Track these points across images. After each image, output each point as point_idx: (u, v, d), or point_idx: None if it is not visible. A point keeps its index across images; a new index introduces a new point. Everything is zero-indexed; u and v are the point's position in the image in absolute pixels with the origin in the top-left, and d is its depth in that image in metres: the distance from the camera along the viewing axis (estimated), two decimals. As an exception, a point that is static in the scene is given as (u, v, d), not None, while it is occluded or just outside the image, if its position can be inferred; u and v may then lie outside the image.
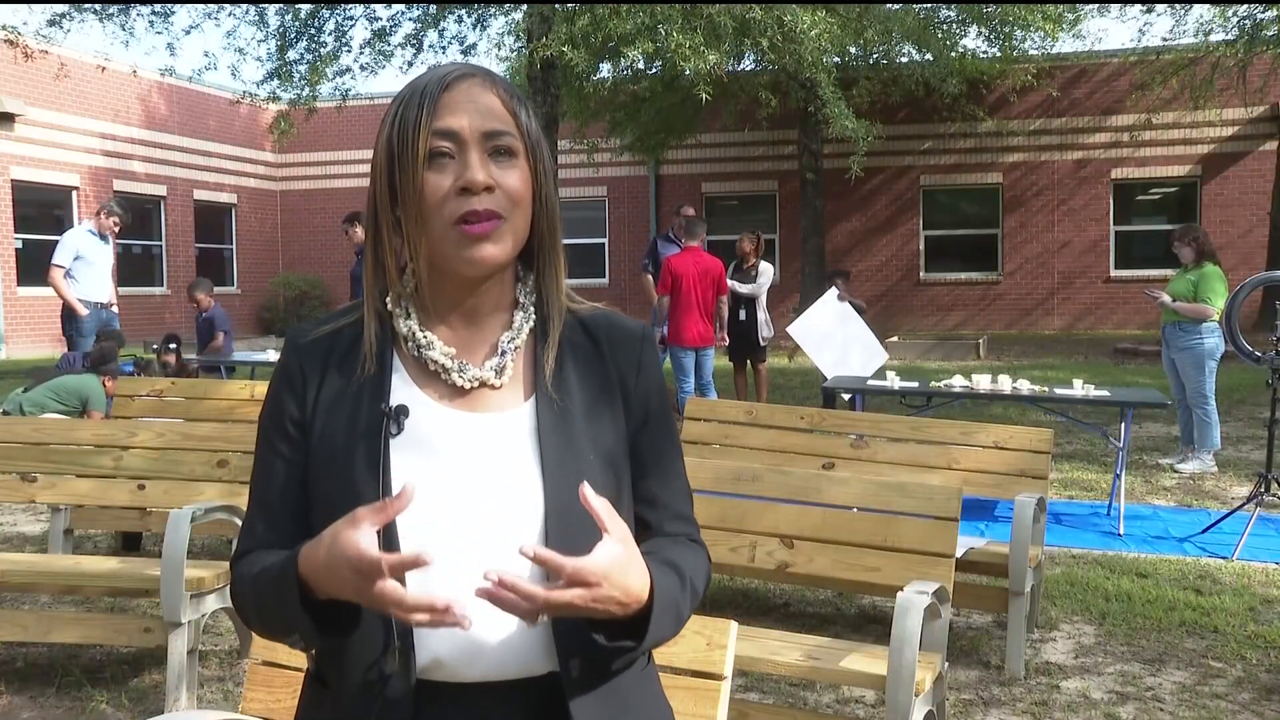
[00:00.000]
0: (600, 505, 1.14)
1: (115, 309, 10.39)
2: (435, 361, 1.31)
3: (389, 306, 1.33)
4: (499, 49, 19.04)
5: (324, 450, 1.29)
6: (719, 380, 9.41)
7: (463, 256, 1.25)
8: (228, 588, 3.85)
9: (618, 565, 1.13)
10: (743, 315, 9.72)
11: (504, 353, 1.32)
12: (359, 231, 9.80)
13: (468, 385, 1.31)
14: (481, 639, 1.23)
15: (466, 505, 1.25)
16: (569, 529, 1.25)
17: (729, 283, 9.44)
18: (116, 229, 10.15)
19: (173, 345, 9.96)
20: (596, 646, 1.23)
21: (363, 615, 1.22)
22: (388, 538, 1.22)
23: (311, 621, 1.19)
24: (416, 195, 1.24)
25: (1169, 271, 20.06)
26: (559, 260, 1.37)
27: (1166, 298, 7.66)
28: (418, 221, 1.25)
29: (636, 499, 1.37)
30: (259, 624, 1.30)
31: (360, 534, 1.10)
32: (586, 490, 1.14)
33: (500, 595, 1.08)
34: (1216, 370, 7.73)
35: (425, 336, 1.31)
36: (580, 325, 1.38)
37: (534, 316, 1.36)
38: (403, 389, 1.31)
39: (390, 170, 1.26)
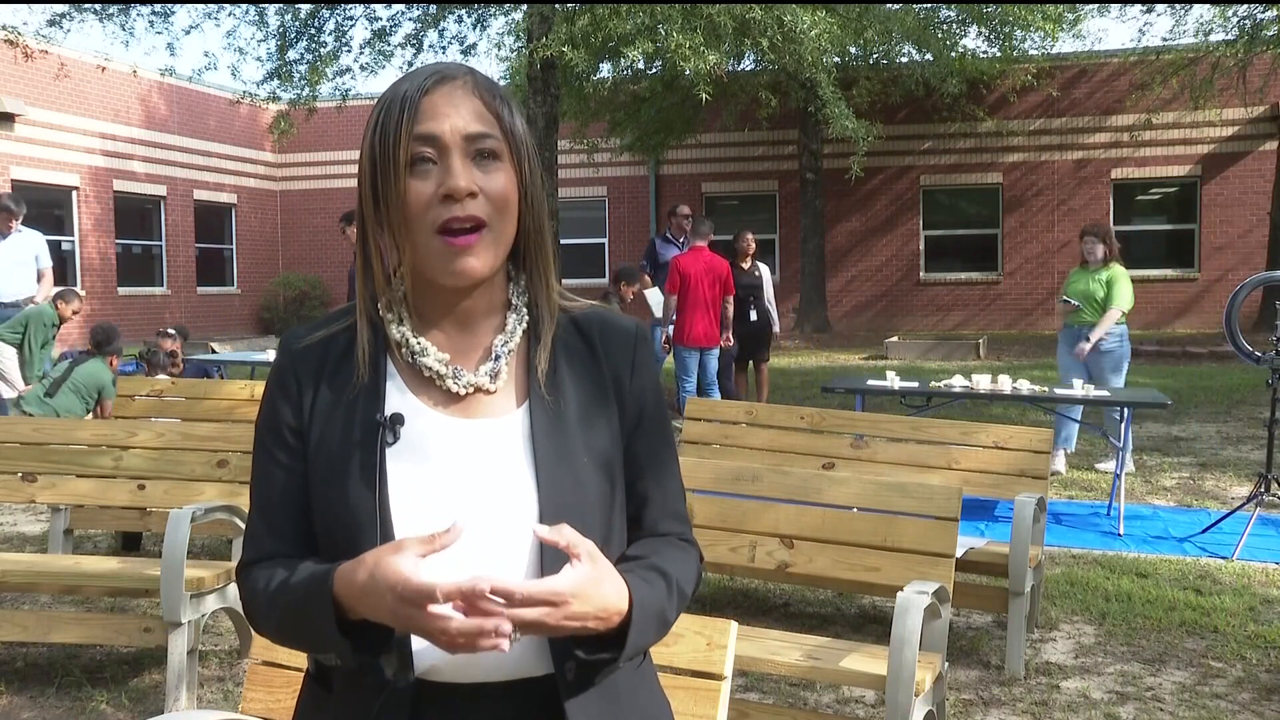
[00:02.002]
0: (558, 535, 1.15)
1: (27, 305, 9.44)
2: (429, 368, 1.30)
3: (381, 312, 1.32)
4: (499, 49, 19.08)
5: (320, 459, 1.29)
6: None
7: (445, 270, 1.24)
8: (229, 588, 3.88)
9: (587, 582, 1.14)
10: (753, 316, 9.73)
11: (498, 356, 1.31)
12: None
13: (462, 391, 1.30)
14: None
15: (463, 513, 1.25)
16: None
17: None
18: (10, 224, 9.87)
19: (170, 331, 10.01)
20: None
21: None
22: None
23: (349, 643, 1.19)
24: (400, 202, 1.23)
25: (1169, 271, 20.25)
26: (548, 259, 1.35)
27: (1095, 327, 7.53)
28: (402, 229, 1.24)
29: (630, 498, 1.37)
30: (281, 639, 1.29)
31: (404, 560, 1.10)
32: (540, 528, 1.15)
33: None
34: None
35: (419, 343, 1.31)
36: (573, 325, 1.37)
37: (527, 318, 1.35)
38: (397, 396, 1.30)
39: (374, 176, 1.25)
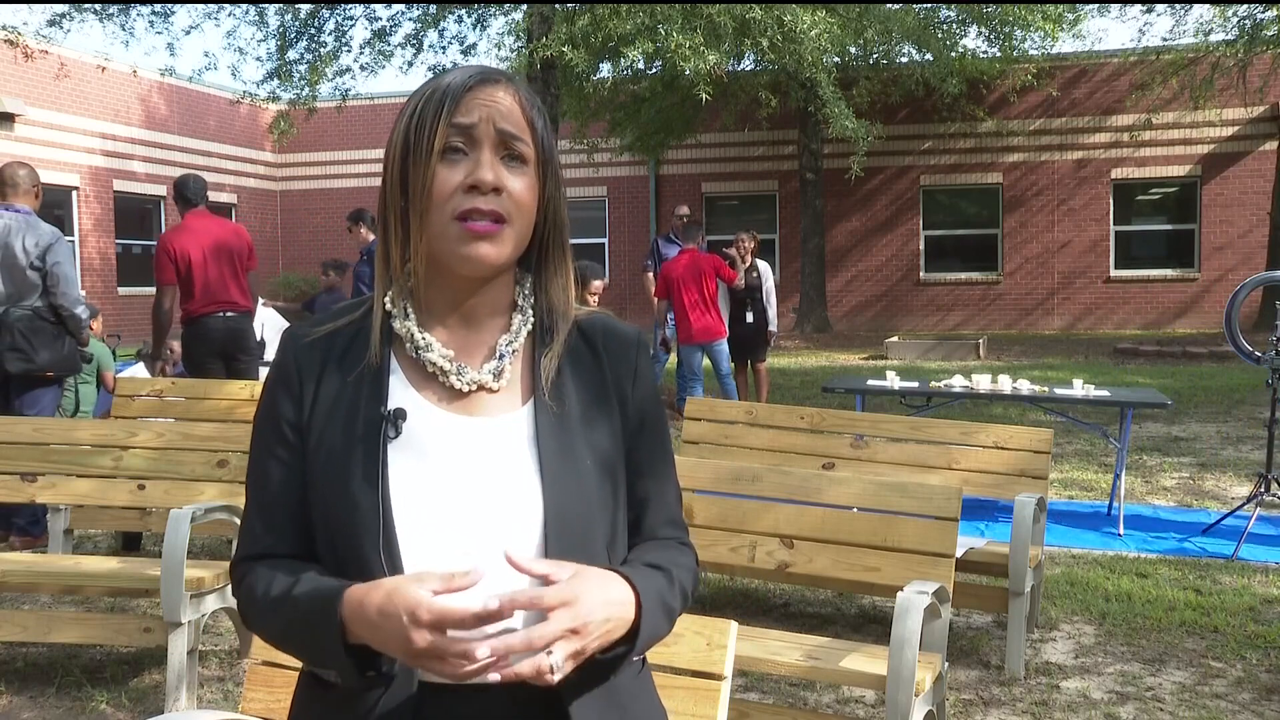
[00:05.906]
0: (537, 565, 1.18)
1: None
2: (434, 364, 1.31)
3: (387, 306, 1.33)
4: (499, 49, 19.05)
5: (321, 453, 1.29)
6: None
7: (460, 253, 1.25)
8: (229, 589, 3.87)
9: (582, 582, 1.17)
10: (749, 318, 9.74)
11: (501, 356, 1.32)
12: (363, 230, 9.76)
13: (465, 388, 1.31)
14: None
15: (464, 511, 1.25)
16: (567, 535, 1.26)
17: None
18: None
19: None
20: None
21: None
22: (388, 546, 1.22)
23: (354, 665, 1.20)
24: (425, 187, 1.25)
25: (1169, 271, 20.24)
26: (567, 272, 1.38)
27: None
28: (422, 214, 1.26)
29: (630, 504, 1.38)
30: (277, 645, 1.30)
31: (424, 589, 1.13)
32: (513, 556, 1.17)
33: (512, 674, 1.13)
34: None
35: (424, 338, 1.31)
36: (577, 329, 1.39)
37: (531, 319, 1.36)
38: (401, 391, 1.31)
39: (404, 161, 1.27)
